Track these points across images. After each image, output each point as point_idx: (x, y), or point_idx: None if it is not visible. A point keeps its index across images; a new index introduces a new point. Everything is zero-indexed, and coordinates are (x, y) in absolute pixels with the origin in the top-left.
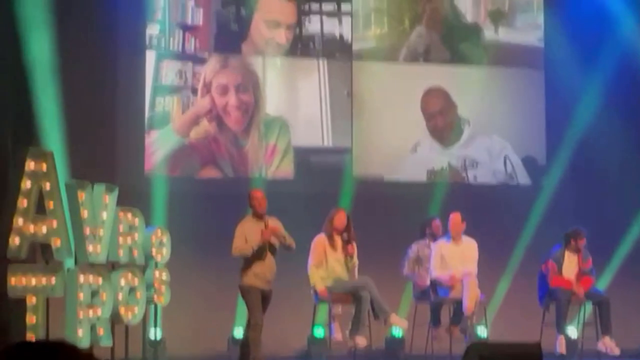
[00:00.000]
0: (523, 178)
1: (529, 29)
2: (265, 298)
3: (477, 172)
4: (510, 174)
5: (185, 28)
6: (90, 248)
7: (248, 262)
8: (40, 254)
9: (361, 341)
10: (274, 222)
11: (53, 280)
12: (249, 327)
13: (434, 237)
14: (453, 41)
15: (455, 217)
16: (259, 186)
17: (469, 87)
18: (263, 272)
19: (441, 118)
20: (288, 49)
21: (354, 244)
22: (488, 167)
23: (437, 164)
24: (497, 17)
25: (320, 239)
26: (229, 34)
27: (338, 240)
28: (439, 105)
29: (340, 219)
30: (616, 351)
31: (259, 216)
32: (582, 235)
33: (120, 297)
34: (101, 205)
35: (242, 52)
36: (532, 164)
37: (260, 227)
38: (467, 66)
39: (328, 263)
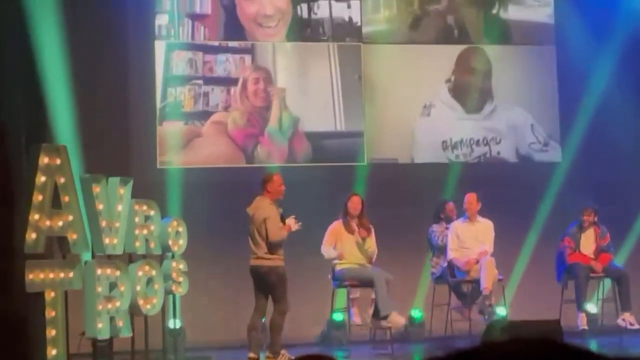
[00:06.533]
0: (552, 147)
1: (538, 6)
2: None
3: (500, 147)
4: (542, 142)
5: (194, 17)
6: (106, 240)
7: (278, 246)
8: (57, 248)
9: (399, 319)
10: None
11: (71, 273)
12: (274, 312)
13: (449, 221)
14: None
15: (470, 198)
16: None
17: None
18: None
19: (472, 76)
20: (297, 33)
21: (370, 228)
22: (512, 141)
23: (456, 135)
24: None
25: (337, 224)
26: (238, 22)
27: (354, 225)
28: (475, 63)
29: (354, 203)
30: (636, 326)
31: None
32: (590, 211)
33: (138, 288)
34: (116, 197)
35: (250, 39)
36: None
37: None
38: (478, 46)
39: (345, 247)
